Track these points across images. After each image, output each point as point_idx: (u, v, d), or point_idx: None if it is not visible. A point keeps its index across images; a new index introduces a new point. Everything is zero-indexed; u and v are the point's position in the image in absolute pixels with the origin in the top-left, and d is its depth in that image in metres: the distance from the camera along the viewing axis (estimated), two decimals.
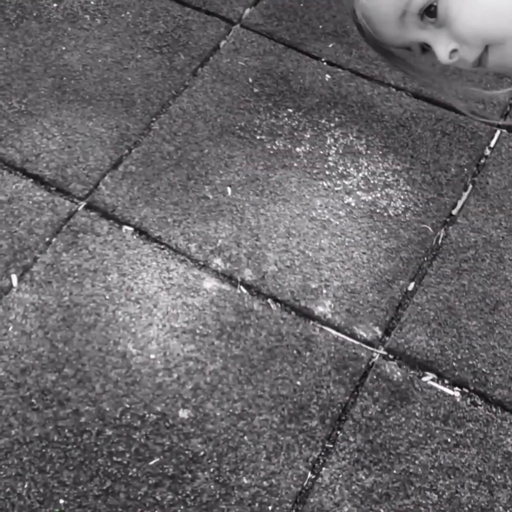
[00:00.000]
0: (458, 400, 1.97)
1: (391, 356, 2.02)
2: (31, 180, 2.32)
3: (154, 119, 2.49)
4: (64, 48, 2.67)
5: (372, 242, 2.21)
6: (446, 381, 2.00)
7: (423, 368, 2.01)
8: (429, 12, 0.94)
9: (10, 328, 2.02)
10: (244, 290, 2.13)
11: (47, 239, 2.20)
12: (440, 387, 1.99)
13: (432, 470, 1.87)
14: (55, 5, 2.79)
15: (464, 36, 0.95)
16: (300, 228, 2.25)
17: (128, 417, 1.91)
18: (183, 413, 1.93)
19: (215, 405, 1.93)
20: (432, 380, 2.00)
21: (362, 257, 2.19)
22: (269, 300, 2.11)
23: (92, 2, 2.81)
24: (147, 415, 1.91)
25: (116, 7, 2.80)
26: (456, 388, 1.99)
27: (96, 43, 2.69)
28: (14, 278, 2.11)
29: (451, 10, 0.93)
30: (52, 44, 2.67)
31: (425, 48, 1.01)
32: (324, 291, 2.12)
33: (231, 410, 1.93)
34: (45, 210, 2.26)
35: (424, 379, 2.00)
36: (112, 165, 2.37)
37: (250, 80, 2.59)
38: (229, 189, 2.33)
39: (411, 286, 2.14)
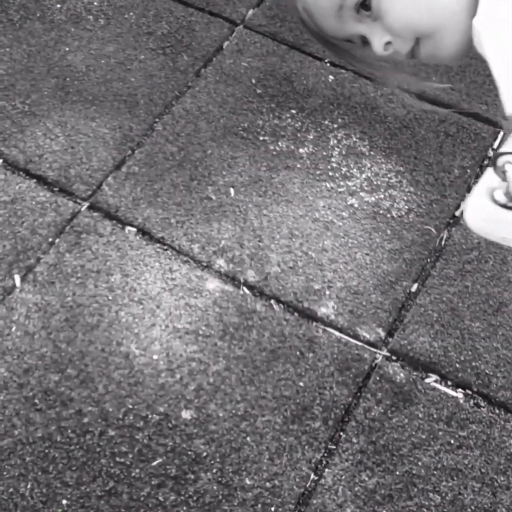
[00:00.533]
0: (461, 401, 1.97)
1: (394, 358, 2.02)
2: (34, 180, 2.33)
3: (157, 120, 2.49)
4: (67, 48, 2.67)
5: (375, 243, 2.21)
6: (449, 383, 2.00)
7: (426, 369, 2.01)
8: (364, 5, 0.99)
9: (13, 329, 2.02)
10: (247, 291, 2.13)
11: (50, 239, 2.20)
12: (443, 388, 1.99)
13: (435, 472, 1.86)
14: (58, 5, 2.79)
15: (396, 28, 0.99)
16: (303, 229, 2.25)
17: (131, 417, 1.91)
18: (186, 414, 1.92)
19: (218, 406, 1.93)
20: (435, 381, 2.00)
21: (365, 258, 2.19)
22: (272, 301, 2.11)
23: (95, 3, 2.81)
24: (150, 416, 1.91)
25: (120, 8, 2.80)
26: (459, 389, 1.99)
27: (99, 43, 2.69)
28: (17, 278, 2.11)
29: (383, 3, 0.98)
30: (55, 45, 2.67)
31: (365, 40, 1.05)
32: (327, 292, 2.12)
33: (234, 411, 1.93)
34: (48, 210, 2.26)
35: (427, 380, 2.00)
36: (115, 166, 2.37)
37: (253, 81, 2.59)
38: (232, 190, 2.33)
39: (414, 287, 2.14)
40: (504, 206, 0.91)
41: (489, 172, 0.90)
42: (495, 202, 0.91)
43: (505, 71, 0.87)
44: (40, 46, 2.67)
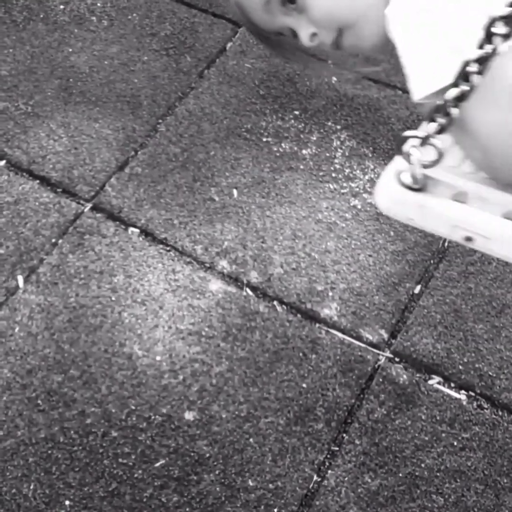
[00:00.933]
0: (464, 403, 1.97)
1: (397, 359, 2.02)
2: (38, 181, 2.33)
3: (160, 121, 2.49)
4: (70, 49, 2.67)
5: (378, 245, 2.21)
6: (452, 384, 1.99)
7: (429, 371, 2.01)
8: None
9: (16, 329, 2.02)
10: (250, 292, 2.13)
11: (53, 240, 2.20)
12: (446, 390, 1.99)
13: (438, 474, 1.86)
14: (62, 7, 2.79)
15: (319, 20, 1.05)
16: (306, 231, 2.24)
17: (134, 418, 1.91)
18: (189, 415, 1.92)
19: (221, 407, 1.93)
20: (438, 383, 1.99)
21: (368, 260, 2.18)
22: (275, 302, 2.11)
23: (99, 4, 2.81)
24: (152, 417, 1.91)
25: (123, 9, 2.80)
26: (462, 391, 1.99)
27: (102, 45, 2.69)
28: (20, 279, 2.11)
29: None
30: (58, 46, 2.68)
31: (295, 33, 1.10)
32: (330, 293, 2.12)
33: (236, 412, 1.93)
34: (51, 211, 2.26)
35: (430, 382, 1.99)
36: (118, 167, 2.38)
37: (256, 82, 2.59)
38: (235, 191, 2.33)
39: (417, 289, 2.14)
40: (409, 188, 0.94)
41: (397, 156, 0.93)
42: (402, 184, 0.94)
43: (410, 59, 0.91)
44: (43, 47, 2.67)
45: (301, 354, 2.02)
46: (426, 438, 1.91)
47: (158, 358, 2.00)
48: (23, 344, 2.00)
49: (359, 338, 2.05)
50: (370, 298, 2.11)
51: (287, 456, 1.87)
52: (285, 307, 2.10)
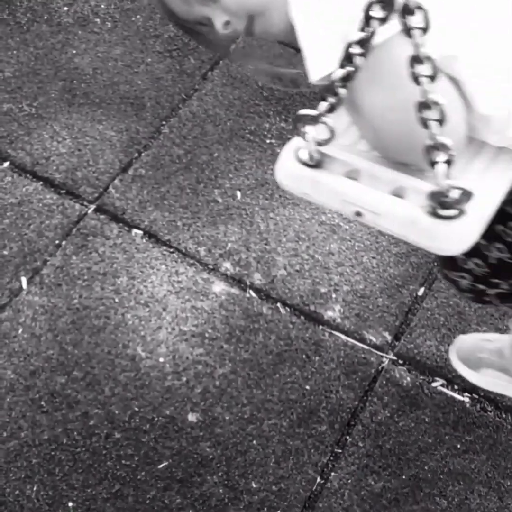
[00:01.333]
0: (467, 406, 1.97)
1: (400, 361, 2.02)
2: (41, 183, 2.33)
3: (164, 122, 2.49)
4: (74, 51, 2.67)
5: (381, 247, 2.21)
6: (456, 387, 1.99)
7: (433, 373, 2.00)
8: None
9: (20, 331, 2.02)
10: (253, 294, 2.13)
11: (57, 242, 2.20)
12: (449, 392, 1.98)
13: (441, 476, 1.86)
14: (65, 8, 2.80)
15: (230, 8, 1.08)
16: (309, 232, 2.24)
17: (137, 420, 1.91)
18: (192, 417, 1.92)
19: (224, 409, 1.93)
20: (442, 385, 1.99)
21: (371, 262, 2.18)
22: (278, 304, 2.11)
23: (102, 6, 2.81)
24: (156, 419, 1.91)
25: (127, 11, 2.81)
26: (466, 393, 1.99)
27: (106, 46, 2.69)
28: (24, 280, 2.11)
29: None
30: (62, 48, 2.68)
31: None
32: (334, 295, 2.12)
33: (240, 414, 1.93)
34: (55, 213, 2.26)
35: (433, 384, 1.99)
36: (122, 168, 2.38)
37: (260, 84, 2.59)
38: (238, 193, 2.33)
39: (421, 291, 2.14)
40: (306, 164, 0.99)
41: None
42: (299, 160, 0.99)
43: (307, 42, 0.96)
44: (47, 49, 2.67)
45: (304, 356, 2.01)
46: (430, 441, 1.90)
47: (161, 359, 2.00)
48: (27, 346, 2.00)
49: (362, 340, 2.04)
50: (374, 300, 2.11)
51: (290, 458, 1.87)
52: (288, 309, 2.10)
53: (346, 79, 0.90)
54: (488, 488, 1.85)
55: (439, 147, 0.89)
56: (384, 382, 1.98)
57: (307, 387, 1.97)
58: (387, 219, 0.97)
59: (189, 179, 2.36)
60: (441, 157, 0.90)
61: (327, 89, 0.92)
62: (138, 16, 2.79)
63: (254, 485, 1.83)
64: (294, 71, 1.30)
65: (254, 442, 1.89)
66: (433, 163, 0.91)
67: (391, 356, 2.02)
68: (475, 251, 1.25)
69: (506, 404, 1.97)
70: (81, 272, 2.15)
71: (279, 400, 1.95)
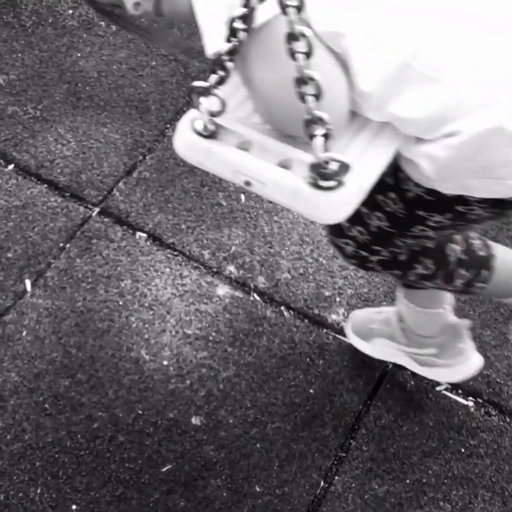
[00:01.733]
0: (472, 410, 1.96)
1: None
2: (46, 185, 2.33)
3: (168, 125, 2.50)
4: (79, 54, 2.68)
5: None
6: (459, 391, 1.99)
7: None
8: None
9: (24, 333, 2.02)
10: (257, 297, 2.13)
11: (61, 244, 2.20)
12: (453, 397, 1.98)
13: (445, 480, 1.86)
14: (70, 11, 2.80)
15: None
16: (313, 236, 2.24)
17: (141, 423, 1.91)
18: (196, 420, 1.92)
19: (228, 412, 1.93)
20: (446, 389, 1.99)
21: None
22: (282, 308, 2.11)
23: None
24: (159, 422, 1.91)
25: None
26: (470, 398, 1.98)
27: (111, 49, 2.70)
28: (28, 283, 2.12)
29: None
30: (67, 51, 2.69)
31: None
32: (338, 299, 2.12)
33: (243, 418, 1.92)
34: (59, 215, 2.27)
35: (437, 388, 1.99)
36: (126, 171, 2.38)
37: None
38: (242, 196, 2.33)
39: None
40: (200, 134, 1.04)
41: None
42: (194, 131, 1.05)
43: (203, 18, 1.01)
44: (52, 52, 2.68)
45: (308, 360, 2.01)
46: (434, 445, 1.90)
47: (165, 362, 2.00)
48: (31, 348, 2.00)
49: None
50: (378, 304, 2.11)
51: (294, 462, 1.86)
52: (292, 313, 2.10)
53: (231, 53, 0.96)
54: (492, 492, 1.85)
55: (316, 120, 0.95)
56: (388, 386, 1.98)
57: (311, 390, 1.97)
58: (272, 188, 1.04)
59: (193, 182, 2.36)
60: (318, 130, 0.95)
61: (216, 62, 0.97)
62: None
63: (257, 489, 1.83)
64: (198, 45, 1.38)
65: (258, 445, 1.88)
66: (311, 136, 0.97)
67: None
68: (357, 219, 1.37)
69: (510, 409, 1.96)
70: (85, 275, 2.15)
71: (283, 404, 1.95)
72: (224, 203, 2.32)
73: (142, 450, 1.87)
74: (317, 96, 0.94)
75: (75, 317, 2.06)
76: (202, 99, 1.01)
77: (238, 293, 2.13)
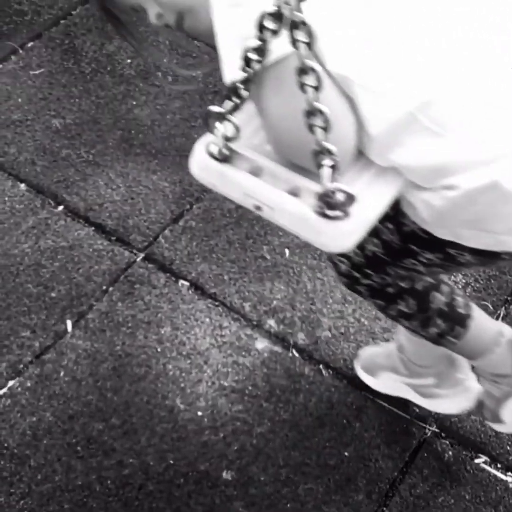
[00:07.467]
0: (510, 485, 1.91)
1: (443, 434, 1.97)
2: (93, 228, 2.36)
3: None
4: (134, 102, 2.73)
5: None
6: (499, 465, 1.94)
7: (476, 449, 1.95)
8: None
9: (62, 374, 2.02)
10: (296, 354, 2.11)
11: (104, 287, 2.22)
12: (492, 470, 1.93)
13: None
14: (129, 61, 2.87)
15: (161, 2, 1.18)
16: (356, 296, 2.22)
17: (171, 473, 1.88)
18: (227, 475, 1.89)
19: (260, 469, 1.90)
20: (485, 462, 1.94)
21: None
22: (321, 366, 2.08)
23: (164, 60, 2.88)
24: (190, 473, 1.88)
25: (188, 66, 2.87)
26: (509, 473, 1.93)
27: (165, 99, 2.75)
28: (69, 323, 2.13)
29: None
30: (123, 98, 2.74)
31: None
32: None
33: (275, 476, 1.89)
34: (104, 258, 2.28)
35: (476, 461, 1.94)
36: (173, 219, 2.40)
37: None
38: (287, 251, 2.33)
39: None
40: (215, 158, 1.09)
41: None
42: (209, 154, 1.09)
43: (223, 45, 1.04)
44: (108, 99, 2.74)
45: (345, 421, 1.98)
46: None
47: (199, 413, 1.98)
48: (67, 389, 1.99)
49: (405, 409, 2.00)
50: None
51: None
52: (331, 372, 2.07)
53: (245, 82, 0.99)
54: None
55: (324, 151, 0.99)
56: (425, 454, 1.93)
57: (346, 453, 1.93)
58: (281, 214, 1.08)
59: (238, 233, 2.37)
60: (326, 161, 1.00)
61: (231, 90, 1.02)
62: (198, 72, 2.85)
63: None
64: (190, 73, 1.42)
65: (289, 505, 1.84)
66: (319, 166, 1.01)
67: (434, 429, 1.98)
68: None
69: None
70: (125, 319, 2.15)
71: (316, 464, 1.91)
72: (268, 257, 2.32)
73: (171, 501, 1.84)
74: (325, 129, 0.98)
75: (113, 361, 2.06)
76: (217, 124, 1.06)
77: (277, 348, 2.11)
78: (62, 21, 2.96)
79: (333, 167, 1.01)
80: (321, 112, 0.97)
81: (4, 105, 2.67)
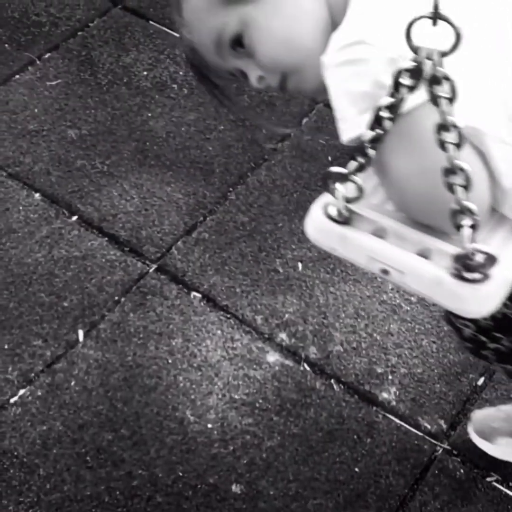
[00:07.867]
0: None
1: (455, 452, 1.95)
2: (106, 239, 2.36)
3: (231, 189, 2.53)
4: (150, 114, 2.74)
5: (443, 332, 2.17)
6: (511, 484, 1.91)
7: (488, 467, 1.93)
8: (239, 43, 1.12)
9: (72, 383, 2.02)
10: (308, 368, 2.10)
11: (116, 298, 2.22)
12: (504, 489, 1.90)
13: None
14: (145, 73, 2.89)
15: (264, 64, 1.13)
16: (369, 310, 2.22)
17: (180, 485, 1.87)
18: (236, 488, 1.88)
19: (269, 483, 1.89)
20: (496, 481, 1.92)
21: (431, 346, 2.14)
22: (332, 381, 2.07)
23: (181, 73, 2.89)
24: (199, 486, 1.87)
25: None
26: None
27: (181, 111, 2.76)
28: (81, 333, 2.13)
29: (253, 42, 1.11)
30: (138, 110, 2.75)
31: (245, 74, 1.18)
32: (390, 377, 2.08)
33: (285, 490, 1.88)
34: (117, 269, 2.29)
35: (488, 479, 1.92)
36: (186, 231, 2.40)
37: (330, 158, 2.62)
38: (300, 265, 2.33)
39: (480, 381, 2.08)
40: (334, 220, 1.03)
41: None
42: (328, 216, 1.03)
43: (339, 103, 1.01)
44: (124, 110, 2.75)
45: (355, 437, 1.97)
46: None
47: (209, 425, 1.98)
48: (78, 399, 1.99)
49: (417, 426, 1.99)
50: (431, 386, 2.06)
51: None
52: (342, 387, 2.06)
53: (374, 141, 0.94)
54: None
55: (464, 211, 0.93)
56: (436, 471, 1.92)
57: (356, 469, 1.92)
58: (412, 278, 1.00)
59: (251, 246, 2.37)
60: (466, 221, 0.93)
61: (357, 149, 0.96)
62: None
63: None
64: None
65: None
66: (458, 227, 0.94)
67: (446, 446, 1.96)
68: None
69: None
70: (137, 330, 2.15)
71: (326, 480, 1.89)
72: (281, 270, 2.31)
73: None
74: (466, 187, 0.92)
75: (124, 371, 2.06)
76: (337, 185, 1.00)
77: (288, 362, 2.10)
78: (79, 33, 2.98)
79: (472, 227, 0.94)
80: (462, 169, 0.91)
81: (21, 115, 2.69)
